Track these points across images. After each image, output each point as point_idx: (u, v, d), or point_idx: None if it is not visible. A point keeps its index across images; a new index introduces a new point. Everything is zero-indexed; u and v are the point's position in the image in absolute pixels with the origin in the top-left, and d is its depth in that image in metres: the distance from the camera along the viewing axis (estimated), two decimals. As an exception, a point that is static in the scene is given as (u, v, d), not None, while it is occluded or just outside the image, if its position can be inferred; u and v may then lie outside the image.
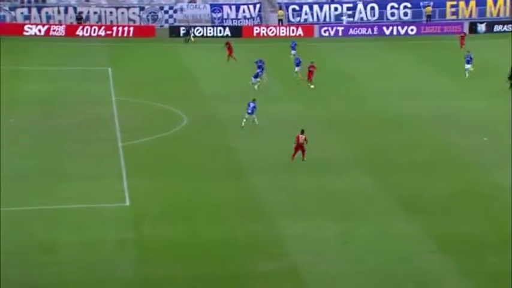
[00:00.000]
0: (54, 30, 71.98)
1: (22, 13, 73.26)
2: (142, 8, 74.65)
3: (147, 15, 74.70)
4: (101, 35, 72.11)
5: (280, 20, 75.06)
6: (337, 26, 74.80)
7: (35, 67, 59.05)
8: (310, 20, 76.02)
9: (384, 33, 74.81)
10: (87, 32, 72.26)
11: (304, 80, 52.41)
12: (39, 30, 71.87)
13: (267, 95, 48.52)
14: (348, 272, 25.97)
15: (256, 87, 50.04)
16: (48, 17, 73.47)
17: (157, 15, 74.76)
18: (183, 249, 27.51)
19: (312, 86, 51.31)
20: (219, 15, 75.45)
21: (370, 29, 74.90)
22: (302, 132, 36.47)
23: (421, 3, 77.04)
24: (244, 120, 41.58)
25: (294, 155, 36.26)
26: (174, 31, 72.81)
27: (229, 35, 72.99)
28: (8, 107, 46.25)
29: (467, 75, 53.93)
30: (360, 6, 76.50)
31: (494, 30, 75.64)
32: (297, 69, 54.25)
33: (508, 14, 77.67)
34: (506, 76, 50.37)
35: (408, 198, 32.52)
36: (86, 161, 36.88)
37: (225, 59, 59.96)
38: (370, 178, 34.86)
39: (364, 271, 26.04)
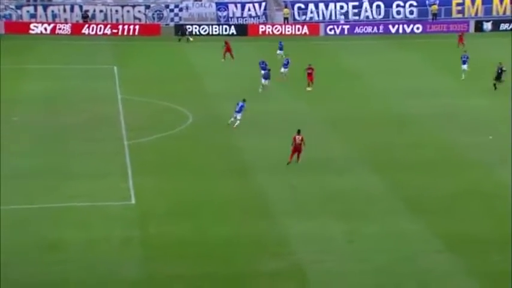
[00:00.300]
0: (60, 29, 72.13)
1: (28, 11, 73.45)
2: (148, 7, 74.74)
3: (153, 14, 74.81)
4: (106, 34, 72.23)
5: (285, 19, 75.04)
6: (342, 25, 74.76)
7: (40, 65, 59.20)
8: (316, 18, 76.01)
9: (390, 31, 74.74)
10: (92, 30, 72.39)
11: (287, 81, 51.43)
12: (45, 29, 72.03)
13: (271, 94, 48.53)
14: (353, 271, 26.01)
15: (260, 89, 49.77)
16: (54, 16, 73.63)
17: (162, 14, 74.86)
18: (188, 248, 27.58)
19: (309, 89, 49.94)
20: (225, 13, 75.49)
21: (375, 27, 74.84)
22: (298, 132, 35.74)
23: (427, 2, 76.93)
24: (232, 118, 41.52)
25: (291, 156, 35.59)
26: (179, 29, 72.85)
27: (235, 33, 73.08)
28: (13, 106, 46.39)
29: (463, 76, 53.38)
30: (366, 4, 76.43)
31: (500, 28, 75.48)
32: (283, 70, 52.52)
33: (514, 12, 77.56)
34: (493, 77, 49.99)
35: (412, 197, 32.52)
36: (91, 160, 36.98)
37: (231, 58, 59.91)
38: (374, 177, 34.88)
39: (368, 270, 26.07)
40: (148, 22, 74.50)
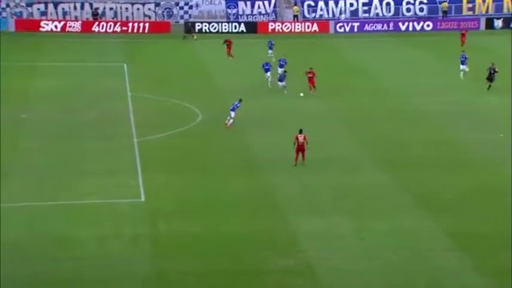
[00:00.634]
0: (70, 26, 72.34)
1: (39, 9, 73.69)
2: (157, 4, 74.85)
3: (163, 11, 74.90)
4: (116, 31, 72.37)
5: (295, 16, 74.99)
6: (352, 22, 74.63)
7: (51, 63, 59.37)
8: (326, 16, 75.90)
9: (400, 29, 74.57)
10: (103, 28, 72.54)
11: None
12: (56, 26, 72.25)
13: (281, 91, 48.48)
14: (363, 268, 25.97)
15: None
16: (65, 13, 73.86)
17: (172, 11, 74.94)
18: (198, 245, 27.62)
19: (312, 93, 48.34)
20: (234, 11, 75.50)
21: (385, 25, 74.68)
22: (300, 131, 34.97)
23: (437, -1, 76.78)
24: (228, 117, 41.44)
25: (296, 157, 34.90)
26: (189, 28, 72.90)
27: (244, 31, 73.08)
28: (23, 103, 46.56)
29: (462, 76, 52.74)
30: (376, 1, 76.27)
31: (511, 26, 75.11)
32: (279, 70, 50.48)
33: (525, 9, 77.19)
34: (485, 77, 49.48)
35: (423, 194, 32.44)
36: (102, 157, 37.07)
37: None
38: (385, 174, 34.82)
39: (379, 267, 26.04)
40: (158, 20, 74.61)
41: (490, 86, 49.29)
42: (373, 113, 45.40)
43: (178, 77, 54.95)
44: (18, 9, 73.33)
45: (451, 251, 27.25)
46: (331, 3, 76.01)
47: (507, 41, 66.79)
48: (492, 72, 49.43)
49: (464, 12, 77.21)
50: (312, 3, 76.08)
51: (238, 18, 75.25)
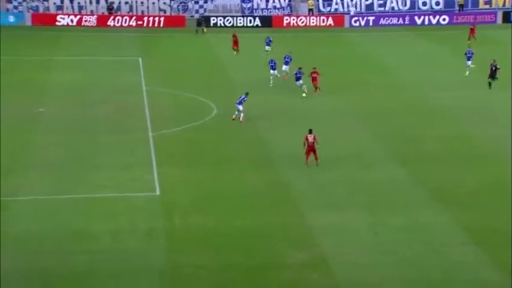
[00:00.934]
0: (86, 21, 72.58)
1: (55, 3, 73.98)
2: (173, -2, 74.97)
3: (178, 5, 74.95)
4: (132, 25, 72.52)
5: (310, 10, 74.79)
6: (367, 16, 74.35)
7: (67, 57, 59.61)
8: (341, 9, 75.64)
9: (416, 23, 74.19)
10: (118, 22, 72.71)
11: (285, 80, 49.48)
12: (72, 21, 72.52)
13: (296, 86, 48.37)
14: (378, 263, 25.92)
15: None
16: (80, 7, 74.11)
17: (187, 6, 74.97)
18: (213, 239, 27.65)
19: (317, 93, 47.00)
20: (249, 5, 75.42)
21: (401, 19, 74.32)
22: (310, 131, 34.25)
23: (453, -8, 76.31)
24: (236, 112, 41.37)
25: (307, 158, 34.25)
26: (204, 21, 72.89)
27: (259, 25, 73.00)
28: (40, 97, 46.80)
29: (467, 72, 52.20)
30: (391, -5, 75.97)
31: (527, 19, 74.60)
32: (284, 67, 49.86)
33: (542, 2, 76.54)
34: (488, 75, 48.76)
35: (438, 189, 32.32)
36: (117, 151, 37.19)
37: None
38: (400, 169, 34.71)
39: (394, 262, 25.97)
40: (173, 14, 74.67)
41: (490, 84, 48.34)
42: (388, 108, 45.24)
43: (193, 71, 54.99)
44: (34, 4, 73.66)
45: (467, 246, 27.14)
46: (347, -3, 75.75)
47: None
48: (494, 69, 48.67)
49: (481, 5, 76.68)
50: (327, -3, 75.88)
51: (253, 12, 75.16)
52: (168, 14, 74.63)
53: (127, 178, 33.41)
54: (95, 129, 40.82)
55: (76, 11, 73.88)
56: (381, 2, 75.90)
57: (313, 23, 73.72)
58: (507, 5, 76.69)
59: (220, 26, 72.36)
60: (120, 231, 28.18)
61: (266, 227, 28.57)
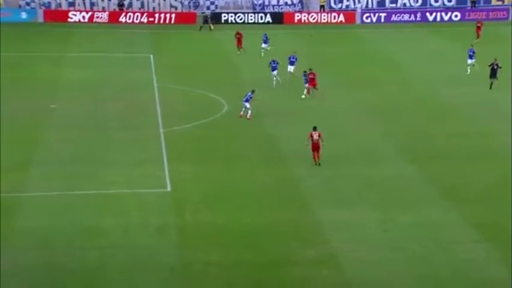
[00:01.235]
0: (97, 17, 72.79)
1: (67, 0, 74.20)
2: (184, -5, 75.00)
3: (189, 2, 75.00)
4: (143, 22, 72.68)
5: (321, 6, 74.68)
6: (379, 12, 74.16)
7: (78, 53, 59.83)
8: (352, 6, 75.48)
9: (427, 19, 73.95)
10: (129, 18, 72.89)
11: (292, 79, 48.55)
12: (83, 17, 72.74)
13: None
14: (387, 260, 25.95)
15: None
16: (92, 4, 74.30)
17: (198, 2, 75.02)
18: (224, 235, 27.75)
19: (310, 94, 45.43)
20: (260, 1, 75.37)
21: (413, 15, 74.08)
22: (315, 129, 33.85)
23: (466, -11, 75.99)
24: (244, 109, 41.32)
25: (314, 156, 33.76)
26: (215, 18, 73.00)
27: (270, 21, 72.97)
28: (52, 93, 47.02)
29: (468, 71, 51.56)
30: (403, -9, 75.73)
31: (540, 16, 74.21)
32: (289, 68, 48.87)
33: (555, -1, 76.08)
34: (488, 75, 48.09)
35: (449, 186, 32.28)
36: (128, 147, 37.33)
37: (238, 50, 59.30)
38: (411, 166, 34.67)
39: (404, 259, 26.00)
40: (184, 10, 74.76)
41: (492, 84, 47.47)
42: (399, 104, 45.18)
43: (204, 67, 55.07)
44: (46, 0, 73.91)
45: (476, 243, 27.12)
46: (358, -6, 75.53)
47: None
48: (495, 67, 48.01)
49: (493, 2, 76.30)
50: (339, -6, 75.70)
51: (264, 8, 75.13)
52: (179, 10, 74.71)
53: (138, 174, 33.55)
54: (107, 125, 40.98)
55: (88, 7, 74.08)
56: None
57: (324, 19, 73.62)
58: (519, 1, 76.31)
59: (231, 23, 72.35)
60: (131, 227, 28.32)
61: (276, 224, 28.64)
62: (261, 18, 73.44)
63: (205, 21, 70.57)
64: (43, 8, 73.57)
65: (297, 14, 74.14)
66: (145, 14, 73.22)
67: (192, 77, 51.90)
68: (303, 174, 33.62)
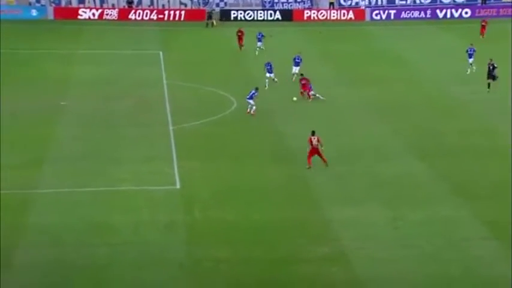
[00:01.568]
0: (107, 14, 72.93)
1: (77, -3, 74.44)
2: (193, -8, 74.99)
3: (198, -1, 75.03)
4: (152, 19, 72.76)
5: (331, 4, 74.54)
6: (389, 9, 73.95)
7: (88, 50, 59.95)
8: (362, 3, 75.31)
9: (438, 16, 73.70)
10: (139, 15, 72.98)
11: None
12: (93, 14, 72.91)
13: (315, 80, 48.27)
14: (398, 257, 25.89)
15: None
16: (102, 1, 74.43)
17: (208, -1, 75.04)
18: (233, 232, 27.75)
19: (311, 97, 44.46)
20: (270, -2, 75.28)
21: (423, 12, 73.87)
22: (313, 133, 33.43)
23: (476, -15, 75.67)
24: (249, 106, 41.30)
25: (309, 160, 33.40)
26: (225, 15, 72.99)
27: (280, 18, 72.90)
28: (63, 91, 47.14)
29: (469, 71, 51.09)
30: (413, -12, 75.51)
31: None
32: (294, 69, 48.16)
33: None
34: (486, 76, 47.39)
35: (459, 183, 32.19)
36: (138, 144, 37.38)
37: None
38: (421, 163, 34.59)
39: (414, 256, 25.93)
40: (194, 7, 74.77)
41: (489, 84, 46.57)
42: (408, 102, 45.08)
43: (213, 64, 55.07)
44: (56, -3, 74.13)
45: (487, 240, 27.03)
46: (368, -9, 75.34)
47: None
48: (492, 68, 47.14)
49: (504, -2, 75.99)
50: (348, -9, 75.54)
51: (273, 5, 75.03)
52: (188, 7, 74.73)
53: (147, 171, 33.59)
54: (116, 122, 41.05)
55: (98, 4, 74.21)
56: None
57: (333, 16, 73.48)
58: (530, -2, 75.90)
59: (241, 20, 72.31)
60: (141, 224, 28.36)
61: (285, 221, 28.62)
62: (270, 16, 73.38)
63: (209, 17, 70.60)
64: (53, 5, 73.76)
65: (306, 11, 74.03)
66: (154, 11, 73.29)
67: (201, 74, 51.92)
68: (312, 171, 33.56)
